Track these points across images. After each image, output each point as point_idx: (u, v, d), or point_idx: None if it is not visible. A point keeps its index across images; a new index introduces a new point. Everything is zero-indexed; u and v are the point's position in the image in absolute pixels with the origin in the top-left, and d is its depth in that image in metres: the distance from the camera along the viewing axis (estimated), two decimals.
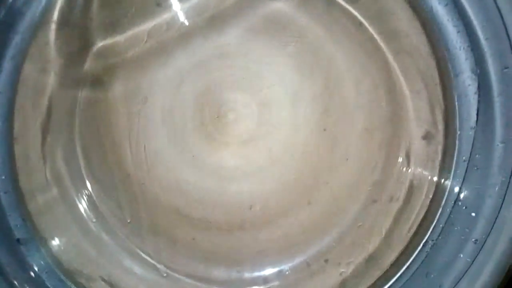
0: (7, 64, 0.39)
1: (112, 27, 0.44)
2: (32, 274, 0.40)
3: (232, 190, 0.46)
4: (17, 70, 0.40)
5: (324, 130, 0.45)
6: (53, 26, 0.41)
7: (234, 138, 0.46)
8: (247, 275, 0.46)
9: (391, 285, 0.42)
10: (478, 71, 0.38)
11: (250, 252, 0.46)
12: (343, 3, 0.43)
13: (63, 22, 0.42)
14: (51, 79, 0.43)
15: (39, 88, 0.42)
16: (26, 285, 0.39)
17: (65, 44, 0.43)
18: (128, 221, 0.45)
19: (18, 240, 0.40)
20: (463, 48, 0.39)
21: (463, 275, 0.37)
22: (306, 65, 0.45)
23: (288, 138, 0.46)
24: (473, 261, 0.37)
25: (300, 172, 0.46)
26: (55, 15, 0.41)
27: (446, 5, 0.39)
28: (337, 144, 0.45)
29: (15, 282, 0.38)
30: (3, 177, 0.40)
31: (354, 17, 0.43)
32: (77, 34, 0.43)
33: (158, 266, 0.45)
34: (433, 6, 0.39)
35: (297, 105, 0.45)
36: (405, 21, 0.42)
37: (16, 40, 0.38)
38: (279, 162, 0.46)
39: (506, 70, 0.36)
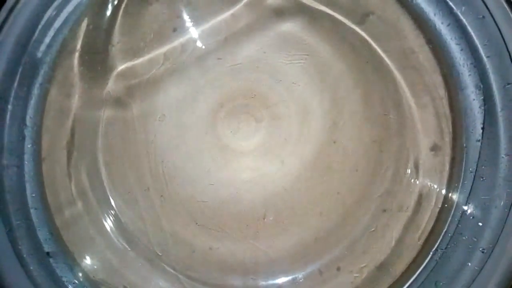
0: (36, 91, 0.41)
1: (132, 52, 0.45)
2: (61, 284, 0.41)
3: (246, 201, 0.47)
4: (44, 96, 0.42)
5: (334, 142, 0.46)
6: (77, 55, 0.43)
7: (248, 151, 0.47)
8: (262, 282, 0.46)
9: None
10: (482, 86, 0.39)
11: (265, 260, 0.46)
12: (349, 23, 0.44)
13: (87, 50, 0.44)
14: (75, 102, 0.44)
15: (64, 111, 0.44)
16: None
17: (88, 69, 0.44)
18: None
19: (48, 253, 0.41)
20: (467, 65, 0.40)
21: (471, 284, 0.38)
22: (316, 81, 0.46)
23: (300, 151, 0.46)
24: (480, 269, 0.38)
25: (311, 183, 0.46)
26: (79, 44, 0.43)
27: (449, 25, 0.40)
28: (347, 156, 0.46)
29: None
30: (33, 195, 0.42)
31: (361, 36, 0.44)
32: (99, 60, 0.45)
33: (177, 275, 0.46)
34: (437, 26, 0.40)
35: (307, 118, 0.46)
36: (410, 39, 0.43)
37: (44, 69, 0.40)
38: (291, 174, 0.47)
39: (508, 86, 0.37)
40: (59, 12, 0.40)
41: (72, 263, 0.43)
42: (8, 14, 0.35)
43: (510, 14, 0.35)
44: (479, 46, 0.38)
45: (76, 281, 0.43)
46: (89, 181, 0.46)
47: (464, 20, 0.38)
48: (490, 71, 0.38)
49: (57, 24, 0.40)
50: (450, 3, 0.39)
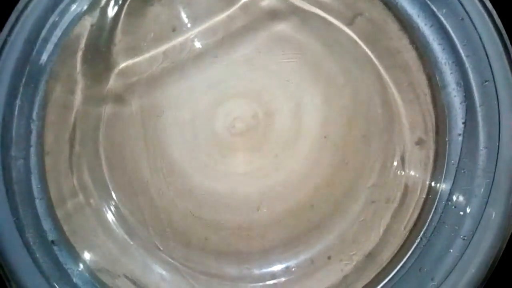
0: (42, 88, 0.42)
1: (133, 50, 0.46)
2: (64, 272, 0.43)
3: (241, 194, 0.48)
4: (49, 92, 0.43)
5: (325, 137, 0.47)
6: (80, 53, 0.44)
7: (243, 146, 0.48)
8: (256, 271, 0.48)
9: (389, 280, 0.44)
10: (462, 84, 0.41)
11: (259, 250, 0.48)
12: (339, 24, 0.46)
13: (90, 49, 0.45)
14: (78, 98, 0.45)
15: (67, 107, 0.45)
16: (60, 281, 0.42)
17: (90, 67, 0.45)
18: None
19: (52, 241, 0.43)
20: (448, 64, 0.42)
21: (453, 269, 0.40)
22: (307, 78, 0.47)
23: (292, 145, 0.48)
24: (461, 256, 0.40)
25: (303, 176, 0.48)
26: (83, 43, 0.44)
27: (431, 26, 0.42)
28: (337, 150, 0.47)
29: (51, 279, 0.41)
30: (39, 186, 0.43)
31: (350, 36, 0.46)
32: (102, 58, 0.46)
33: (176, 264, 0.47)
34: (420, 27, 0.42)
35: (300, 114, 0.48)
36: (395, 40, 0.45)
37: (50, 66, 0.42)
38: (284, 167, 0.48)
39: (486, 83, 0.39)
40: (64, 13, 0.41)
41: (75, 252, 0.44)
42: (19, 15, 0.37)
43: (486, 17, 0.37)
44: (459, 46, 0.40)
45: (78, 269, 0.44)
46: (91, 174, 0.47)
47: (445, 22, 0.40)
48: (469, 70, 0.40)
49: (63, 24, 0.41)
50: (432, 6, 0.41)
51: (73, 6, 0.42)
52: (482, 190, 0.40)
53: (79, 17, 0.43)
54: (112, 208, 0.48)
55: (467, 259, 0.39)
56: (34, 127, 0.42)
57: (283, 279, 0.48)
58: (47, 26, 0.40)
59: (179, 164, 0.48)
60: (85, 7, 0.43)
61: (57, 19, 0.41)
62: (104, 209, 0.47)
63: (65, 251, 0.44)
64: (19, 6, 0.37)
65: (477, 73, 0.40)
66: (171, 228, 0.48)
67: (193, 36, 0.47)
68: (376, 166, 0.47)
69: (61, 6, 0.40)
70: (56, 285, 0.41)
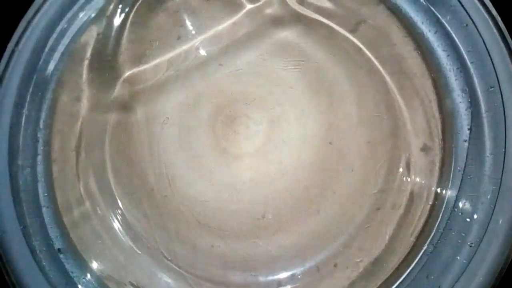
0: (49, 96, 0.43)
1: (138, 59, 0.47)
2: (71, 280, 0.43)
3: (246, 201, 0.48)
4: (56, 100, 0.44)
5: (330, 143, 0.47)
6: (87, 62, 0.45)
7: (247, 152, 0.48)
8: (261, 279, 0.48)
9: (395, 287, 0.44)
10: (468, 90, 0.41)
11: (264, 257, 0.48)
12: (343, 31, 0.46)
13: (96, 58, 0.45)
14: (84, 106, 0.46)
15: (74, 115, 0.45)
16: None
17: (97, 75, 0.46)
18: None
19: (59, 249, 0.43)
20: (453, 70, 0.42)
21: (460, 276, 0.40)
22: (312, 85, 0.48)
23: (297, 151, 0.48)
24: (469, 263, 0.39)
25: (308, 182, 0.48)
26: (89, 52, 0.44)
27: (436, 32, 0.42)
28: (342, 156, 0.47)
29: (57, 287, 0.41)
30: (45, 194, 0.43)
31: (354, 43, 0.46)
32: (108, 66, 0.46)
33: (181, 271, 0.47)
34: (424, 33, 0.42)
35: (304, 121, 0.48)
36: (400, 46, 0.45)
37: (57, 75, 0.42)
38: (289, 174, 0.48)
39: (491, 89, 0.39)
40: (71, 23, 0.42)
41: (81, 260, 0.44)
42: (27, 25, 0.37)
43: (490, 23, 0.37)
44: (463, 52, 0.40)
45: (85, 277, 0.44)
46: (97, 182, 0.47)
47: (449, 28, 0.40)
48: (474, 76, 0.40)
49: (70, 33, 0.42)
50: (436, 13, 0.41)
51: (80, 15, 0.42)
52: (488, 196, 0.40)
53: (86, 26, 0.43)
54: (118, 216, 0.48)
55: (474, 266, 0.39)
56: (41, 135, 0.43)
57: (289, 286, 0.48)
58: (54, 35, 0.41)
59: (184, 171, 0.48)
60: (92, 16, 0.44)
61: (64, 27, 0.41)
62: (110, 216, 0.48)
63: (71, 259, 0.44)
64: (28, 15, 0.37)
65: (482, 79, 0.40)
66: (177, 235, 0.48)
67: (198, 44, 0.48)
68: (382, 172, 0.47)
69: (68, 15, 0.41)
70: None
